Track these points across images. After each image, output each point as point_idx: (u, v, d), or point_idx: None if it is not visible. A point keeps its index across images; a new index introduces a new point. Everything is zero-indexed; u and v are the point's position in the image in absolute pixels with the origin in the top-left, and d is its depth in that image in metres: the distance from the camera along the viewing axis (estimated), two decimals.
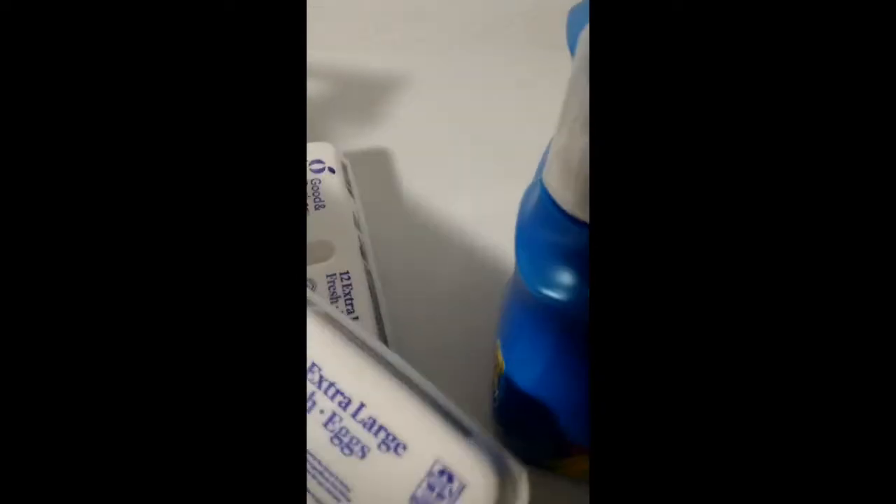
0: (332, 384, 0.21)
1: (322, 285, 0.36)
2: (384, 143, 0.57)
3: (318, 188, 0.42)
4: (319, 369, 0.22)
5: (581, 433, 0.27)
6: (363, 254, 0.39)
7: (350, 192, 0.43)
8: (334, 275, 0.37)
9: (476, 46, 0.65)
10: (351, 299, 0.36)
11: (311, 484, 0.21)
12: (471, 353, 0.40)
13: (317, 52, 0.61)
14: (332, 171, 0.44)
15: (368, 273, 0.38)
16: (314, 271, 0.37)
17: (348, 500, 0.21)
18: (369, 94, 0.61)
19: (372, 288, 0.37)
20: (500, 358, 0.30)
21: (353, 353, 0.22)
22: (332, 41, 0.64)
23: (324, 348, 0.22)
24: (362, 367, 0.22)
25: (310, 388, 0.21)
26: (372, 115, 0.60)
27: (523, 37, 0.66)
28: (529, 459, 0.34)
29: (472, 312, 0.44)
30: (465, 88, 0.62)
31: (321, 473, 0.21)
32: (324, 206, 0.41)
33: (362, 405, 0.21)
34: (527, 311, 0.26)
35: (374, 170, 0.55)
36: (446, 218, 0.52)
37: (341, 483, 0.21)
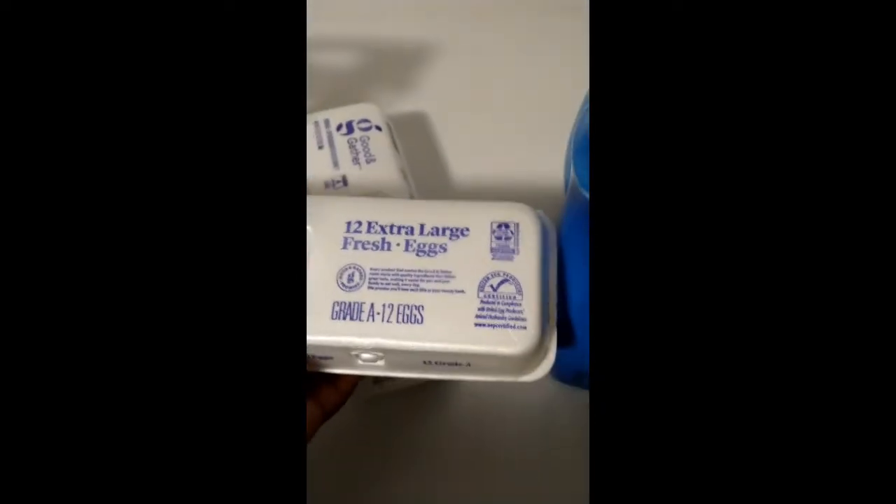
0: (392, 225, 0.31)
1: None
2: (420, 107, 0.60)
3: (368, 144, 0.45)
4: (377, 222, 0.31)
5: None
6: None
7: (396, 147, 0.46)
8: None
9: (500, 16, 0.67)
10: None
11: (422, 284, 0.29)
12: None
13: (352, 23, 0.64)
14: (378, 128, 0.47)
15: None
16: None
17: (453, 277, 0.29)
18: (404, 62, 0.64)
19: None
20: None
21: (392, 202, 0.32)
22: (367, 11, 0.66)
23: (371, 208, 0.31)
24: (403, 204, 0.32)
25: (375, 237, 0.30)
26: (407, 81, 0.63)
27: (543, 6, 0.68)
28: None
29: None
30: (492, 55, 0.65)
31: (426, 278, 0.29)
32: (374, 161, 0.44)
33: (423, 224, 0.30)
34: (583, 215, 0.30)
35: (412, 131, 0.58)
36: (480, 173, 0.55)
37: (443, 272, 0.29)
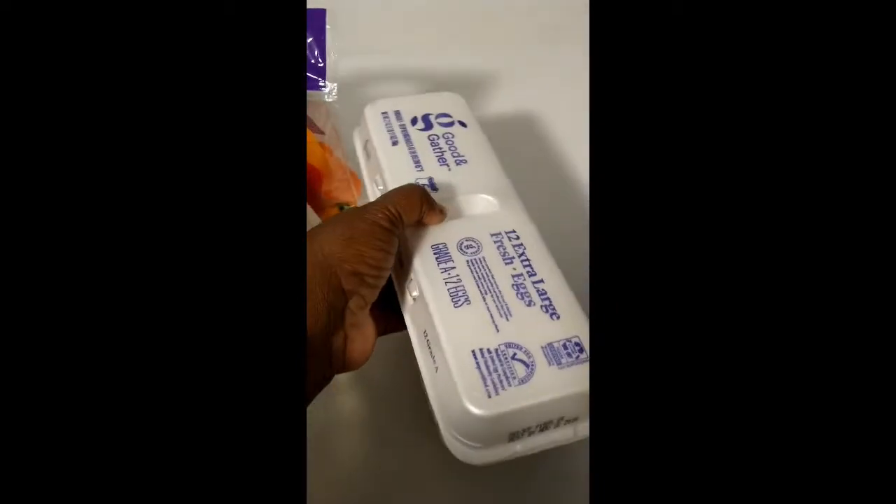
0: (528, 259, 0.30)
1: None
2: None
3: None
4: (524, 248, 0.30)
5: None
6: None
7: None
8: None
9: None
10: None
11: (487, 299, 0.28)
12: None
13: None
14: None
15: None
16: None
17: (507, 320, 0.27)
18: None
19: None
20: None
21: (545, 249, 0.31)
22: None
23: (530, 239, 0.31)
24: (548, 260, 0.30)
25: (511, 251, 0.30)
26: None
27: None
28: None
29: None
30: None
31: (498, 298, 0.28)
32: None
33: (542, 280, 0.29)
34: None
35: None
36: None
37: (508, 309, 0.27)
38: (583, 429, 0.26)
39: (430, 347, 0.27)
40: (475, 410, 0.24)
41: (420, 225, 0.30)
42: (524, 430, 0.25)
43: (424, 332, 0.27)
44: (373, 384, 0.36)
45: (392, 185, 0.33)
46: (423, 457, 0.32)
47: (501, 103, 0.55)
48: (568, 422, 0.26)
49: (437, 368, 0.26)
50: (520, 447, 0.25)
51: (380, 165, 0.34)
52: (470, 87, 0.57)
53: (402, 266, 0.30)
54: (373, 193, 0.36)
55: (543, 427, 0.25)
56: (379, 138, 0.36)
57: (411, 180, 0.33)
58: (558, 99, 0.55)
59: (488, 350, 0.25)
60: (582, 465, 0.32)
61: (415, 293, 0.29)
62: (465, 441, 0.25)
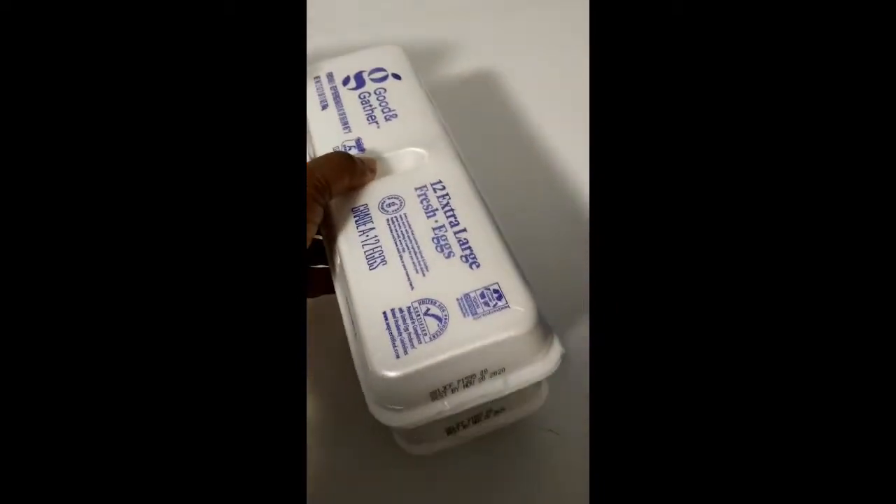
0: (452, 208, 0.28)
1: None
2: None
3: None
4: (449, 197, 0.29)
5: None
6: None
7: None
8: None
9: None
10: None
11: (404, 256, 0.26)
12: None
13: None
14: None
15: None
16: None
17: (424, 275, 0.26)
18: None
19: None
20: None
21: (474, 196, 0.29)
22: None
23: (457, 187, 0.29)
24: (476, 207, 0.28)
25: (434, 202, 0.28)
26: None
27: None
28: None
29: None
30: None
31: (416, 254, 0.26)
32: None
33: (465, 229, 0.27)
34: None
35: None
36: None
37: (425, 264, 0.26)
38: (514, 379, 0.25)
39: (350, 316, 0.26)
40: (385, 373, 0.23)
41: (353, 189, 0.29)
42: (446, 387, 0.24)
43: (346, 299, 0.27)
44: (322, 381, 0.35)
45: (318, 151, 0.32)
46: (378, 453, 0.31)
47: (460, 66, 0.53)
48: (494, 374, 0.24)
49: (355, 335, 0.25)
50: (447, 404, 0.24)
51: (310, 133, 0.33)
52: (426, 55, 0.54)
53: (322, 235, 0.30)
54: None
55: (467, 382, 0.24)
56: (310, 105, 0.35)
57: (338, 145, 0.32)
58: (519, 61, 0.52)
59: (400, 309, 0.24)
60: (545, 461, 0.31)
61: (338, 260, 0.28)
62: (387, 405, 0.24)
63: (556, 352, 0.25)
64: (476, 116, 0.47)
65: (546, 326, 0.25)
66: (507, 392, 0.25)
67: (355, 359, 0.26)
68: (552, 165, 0.44)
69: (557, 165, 0.44)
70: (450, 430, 0.29)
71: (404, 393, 0.23)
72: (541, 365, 0.25)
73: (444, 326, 0.24)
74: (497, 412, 0.29)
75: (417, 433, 0.27)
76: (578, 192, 0.42)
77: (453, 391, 0.24)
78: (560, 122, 0.47)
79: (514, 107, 0.49)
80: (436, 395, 0.24)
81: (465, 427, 0.29)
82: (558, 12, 0.57)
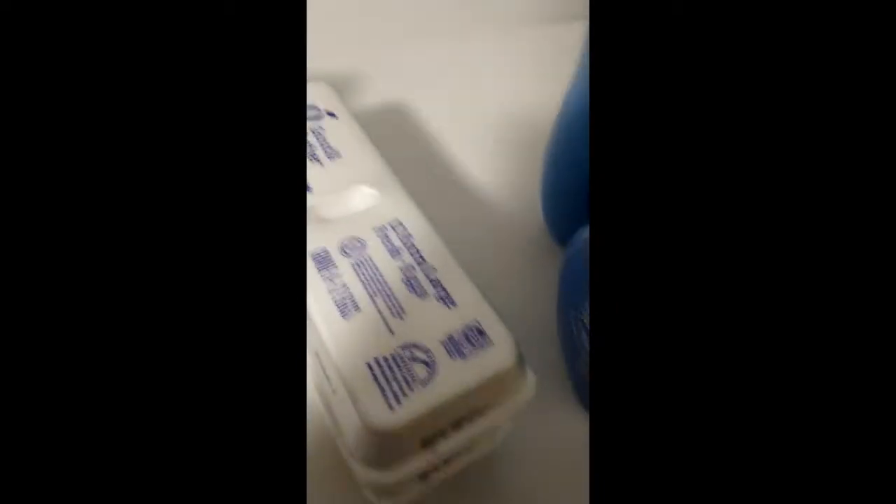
0: (416, 248, 0.28)
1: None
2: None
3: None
4: (412, 237, 0.28)
5: None
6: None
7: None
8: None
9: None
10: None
11: (377, 300, 0.26)
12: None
13: None
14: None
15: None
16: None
17: (402, 319, 0.25)
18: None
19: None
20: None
21: (433, 234, 0.29)
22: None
23: (416, 227, 0.29)
24: (438, 245, 0.28)
25: (397, 242, 0.28)
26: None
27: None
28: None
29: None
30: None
31: (389, 297, 0.26)
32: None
33: (434, 267, 0.27)
34: None
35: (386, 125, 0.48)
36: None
37: (400, 307, 0.25)
38: (498, 414, 0.25)
39: (325, 372, 0.25)
40: (380, 426, 0.22)
41: None
42: (437, 434, 0.23)
43: (317, 354, 0.25)
44: None
45: None
46: None
47: (370, 97, 0.53)
48: (480, 411, 0.24)
49: (333, 392, 0.24)
50: (438, 450, 0.24)
51: None
52: (336, 82, 0.54)
53: None
54: None
55: (456, 425, 0.24)
56: None
57: None
58: (423, 92, 0.54)
59: (384, 358, 0.23)
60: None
61: (305, 314, 0.26)
62: (376, 462, 0.23)
63: (530, 379, 0.26)
64: (393, 149, 0.48)
65: (522, 355, 0.25)
66: (491, 427, 0.25)
67: (334, 417, 0.24)
68: (472, 191, 0.45)
69: (476, 189, 0.45)
70: (422, 476, 0.28)
71: (398, 445, 0.22)
72: (520, 395, 0.25)
73: (433, 371, 0.23)
74: (468, 449, 0.28)
75: (393, 485, 0.26)
76: (498, 212, 0.43)
77: (444, 436, 0.24)
78: (468, 147, 0.48)
79: (424, 138, 0.50)
80: (426, 442, 0.23)
81: (437, 470, 0.28)
82: (461, 45, 0.59)
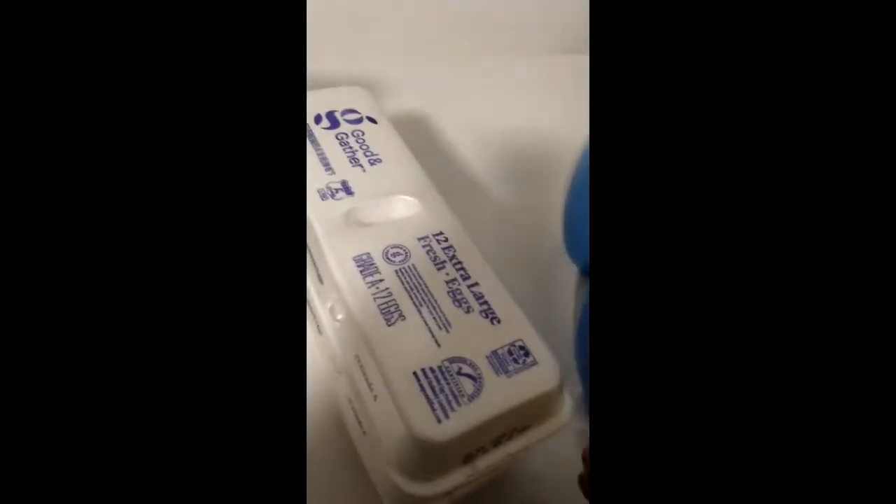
0: (459, 261, 0.28)
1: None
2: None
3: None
4: (454, 250, 0.28)
5: None
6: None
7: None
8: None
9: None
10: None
11: (423, 311, 0.25)
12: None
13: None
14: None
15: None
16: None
17: (448, 332, 0.25)
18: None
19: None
20: None
21: (475, 249, 0.29)
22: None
23: (459, 240, 0.29)
24: (480, 260, 0.28)
25: (441, 254, 0.28)
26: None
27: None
28: None
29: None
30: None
31: (434, 309, 0.26)
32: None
33: (477, 283, 0.27)
34: None
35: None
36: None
37: (446, 319, 0.25)
38: (535, 434, 0.25)
39: (364, 374, 0.24)
40: (427, 438, 0.21)
41: None
42: (478, 449, 0.23)
43: (356, 356, 0.25)
44: None
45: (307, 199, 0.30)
46: None
47: (389, 106, 0.53)
48: (521, 431, 0.24)
49: (375, 397, 0.24)
50: (478, 466, 0.23)
51: None
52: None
53: (323, 283, 0.28)
54: None
55: (497, 442, 0.24)
56: None
57: (320, 185, 0.30)
58: (445, 107, 0.54)
59: (431, 369, 0.23)
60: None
61: (340, 315, 0.26)
62: (418, 474, 0.22)
63: (567, 402, 0.26)
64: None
65: (563, 378, 0.25)
66: (527, 447, 0.25)
67: (370, 422, 0.24)
68: (491, 208, 0.45)
69: (494, 206, 0.45)
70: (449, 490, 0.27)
71: (442, 459, 0.22)
72: (558, 417, 0.25)
73: (479, 386, 0.23)
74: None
75: (429, 497, 0.26)
76: (518, 233, 0.43)
77: (484, 452, 0.23)
78: (488, 165, 0.49)
79: (443, 152, 0.50)
80: (468, 458, 0.23)
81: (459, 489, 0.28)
82: (490, 65, 0.59)
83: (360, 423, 0.27)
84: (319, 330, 0.29)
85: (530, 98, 0.58)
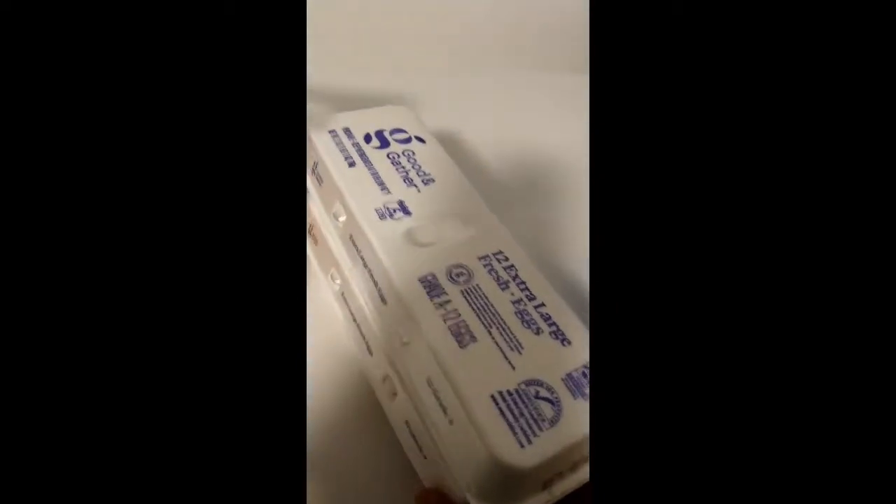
0: (523, 281, 0.28)
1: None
2: None
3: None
4: (516, 269, 0.28)
5: None
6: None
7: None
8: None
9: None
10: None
11: (493, 332, 0.25)
12: None
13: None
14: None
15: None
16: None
17: (520, 353, 0.24)
18: None
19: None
20: None
21: (535, 268, 0.29)
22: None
23: (519, 259, 0.29)
24: (542, 279, 0.28)
25: (503, 274, 0.28)
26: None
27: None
28: None
29: None
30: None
31: (504, 330, 0.25)
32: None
33: (543, 303, 0.27)
34: None
35: None
36: None
37: (517, 341, 0.25)
38: None
39: (438, 398, 0.24)
40: (511, 464, 0.21)
41: None
42: (556, 475, 0.23)
43: (428, 379, 0.24)
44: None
45: (356, 211, 0.29)
46: None
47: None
48: None
49: (451, 421, 0.23)
50: (554, 492, 0.23)
51: (338, 190, 0.31)
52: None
53: (386, 304, 0.27)
54: (326, 224, 0.32)
55: (573, 466, 0.23)
56: (332, 160, 0.32)
57: (377, 205, 0.29)
58: (470, 123, 0.55)
59: (508, 392, 0.23)
60: None
61: (406, 338, 0.25)
62: (495, 499, 0.22)
63: None
64: None
65: None
66: None
67: (443, 446, 0.23)
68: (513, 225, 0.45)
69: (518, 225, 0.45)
70: None
71: (523, 484, 0.22)
72: None
73: (559, 410, 0.22)
74: None
75: None
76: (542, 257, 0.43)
77: (561, 477, 0.23)
78: (513, 179, 0.49)
79: (472, 168, 0.50)
80: (547, 483, 0.23)
81: None
82: (512, 79, 0.60)
83: (419, 447, 0.26)
84: (372, 351, 0.28)
85: (552, 114, 0.58)
